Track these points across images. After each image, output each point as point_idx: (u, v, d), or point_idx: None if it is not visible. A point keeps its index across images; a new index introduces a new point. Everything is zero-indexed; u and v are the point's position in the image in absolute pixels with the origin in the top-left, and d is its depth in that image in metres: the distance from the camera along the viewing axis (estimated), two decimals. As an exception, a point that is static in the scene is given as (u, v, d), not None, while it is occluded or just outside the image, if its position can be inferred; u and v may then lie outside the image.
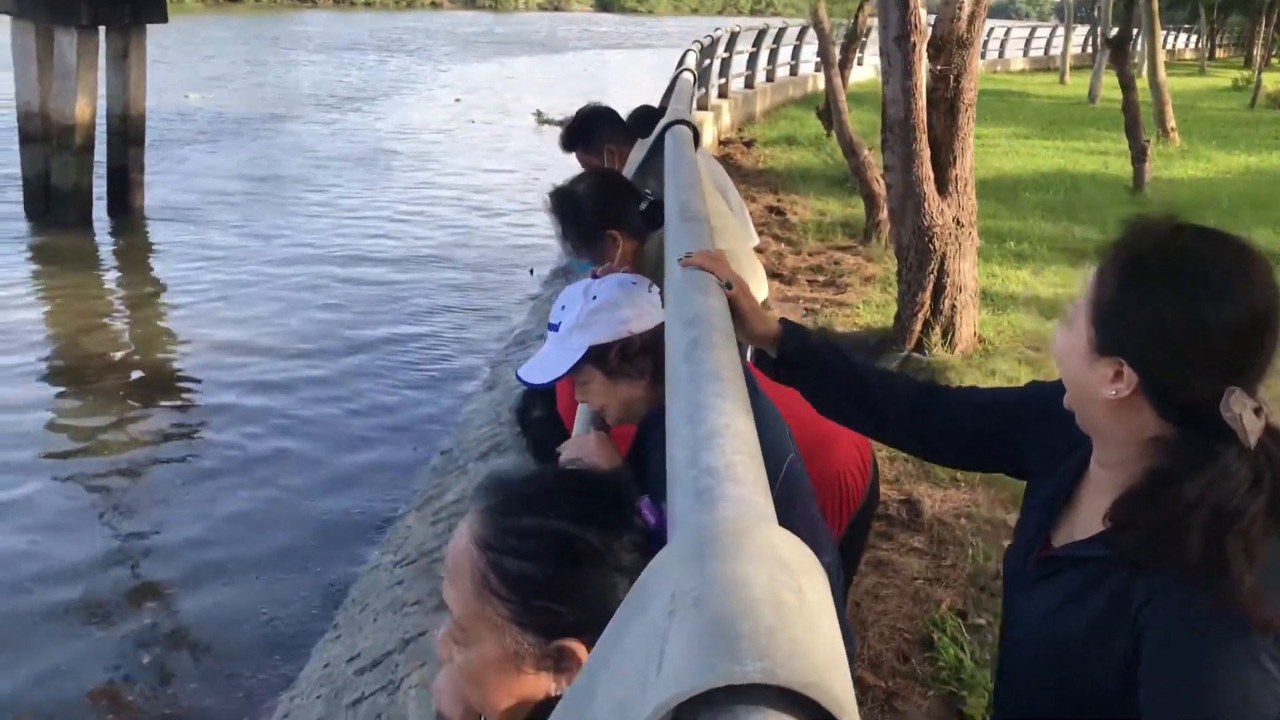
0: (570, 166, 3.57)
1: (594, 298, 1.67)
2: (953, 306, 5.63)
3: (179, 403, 6.85)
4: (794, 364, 1.46)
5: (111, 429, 6.29)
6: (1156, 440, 1.15)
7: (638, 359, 1.64)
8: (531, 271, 9.66)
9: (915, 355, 5.63)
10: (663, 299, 1.68)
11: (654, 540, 0.97)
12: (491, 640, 0.94)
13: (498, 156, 16.86)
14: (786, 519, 1.69)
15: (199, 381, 7.15)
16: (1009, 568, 1.41)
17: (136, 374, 7.35)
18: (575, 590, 0.93)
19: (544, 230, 8.72)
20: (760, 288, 3.41)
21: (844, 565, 2.32)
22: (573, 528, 0.94)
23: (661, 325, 1.63)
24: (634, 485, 1.60)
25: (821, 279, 7.56)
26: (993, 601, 3.43)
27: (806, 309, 6.81)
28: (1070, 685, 1.23)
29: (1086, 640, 1.19)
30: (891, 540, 3.81)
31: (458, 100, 24.57)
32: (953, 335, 5.66)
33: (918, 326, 5.66)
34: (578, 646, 0.93)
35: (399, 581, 4.62)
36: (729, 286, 1.36)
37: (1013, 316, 6.67)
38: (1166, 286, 1.11)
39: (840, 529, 2.26)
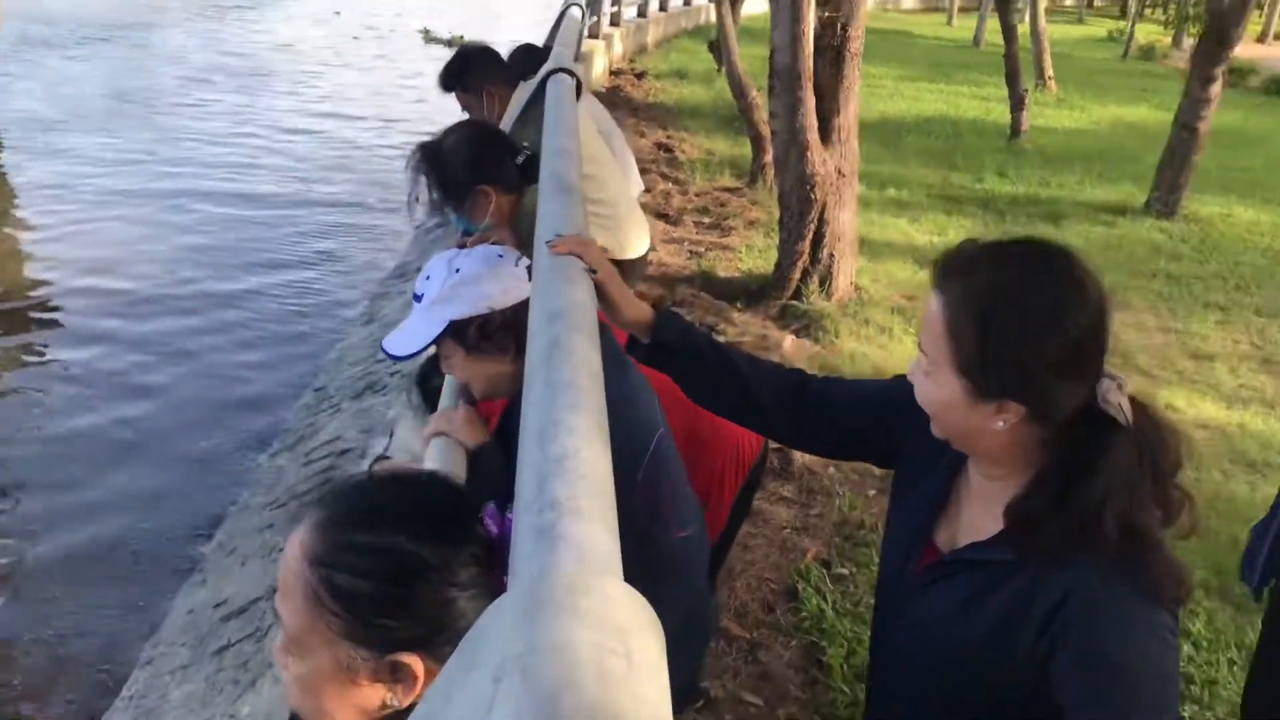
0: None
1: (457, 270, 1.64)
2: (831, 255, 5.72)
3: (33, 330, 6.50)
4: (667, 351, 1.46)
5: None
6: (1041, 445, 1.20)
7: (499, 335, 1.62)
8: (417, 198, 9.40)
9: (793, 303, 5.72)
10: (530, 274, 1.66)
11: (496, 551, 0.96)
12: (325, 654, 0.93)
13: (383, 75, 16.28)
14: (653, 494, 1.70)
15: (56, 308, 6.79)
16: (887, 570, 1.43)
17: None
18: (409, 606, 0.92)
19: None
20: (643, 238, 3.39)
21: (733, 521, 2.36)
22: (408, 544, 0.93)
23: (525, 301, 1.61)
24: (477, 494, 1.60)
25: (707, 220, 7.58)
26: (856, 551, 3.56)
27: (691, 251, 6.84)
28: (969, 687, 1.27)
29: (988, 642, 1.23)
30: (763, 489, 3.89)
31: (337, 13, 23.58)
32: (830, 284, 5.77)
33: (796, 275, 5.74)
34: (412, 660, 0.92)
35: (269, 525, 4.52)
36: (594, 271, 1.34)
37: (889, 265, 6.82)
38: (1027, 320, 1.13)
39: (735, 489, 2.30)
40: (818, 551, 3.52)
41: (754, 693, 2.80)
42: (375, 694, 0.94)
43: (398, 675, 0.93)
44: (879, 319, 5.72)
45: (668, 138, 10.33)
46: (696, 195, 8.28)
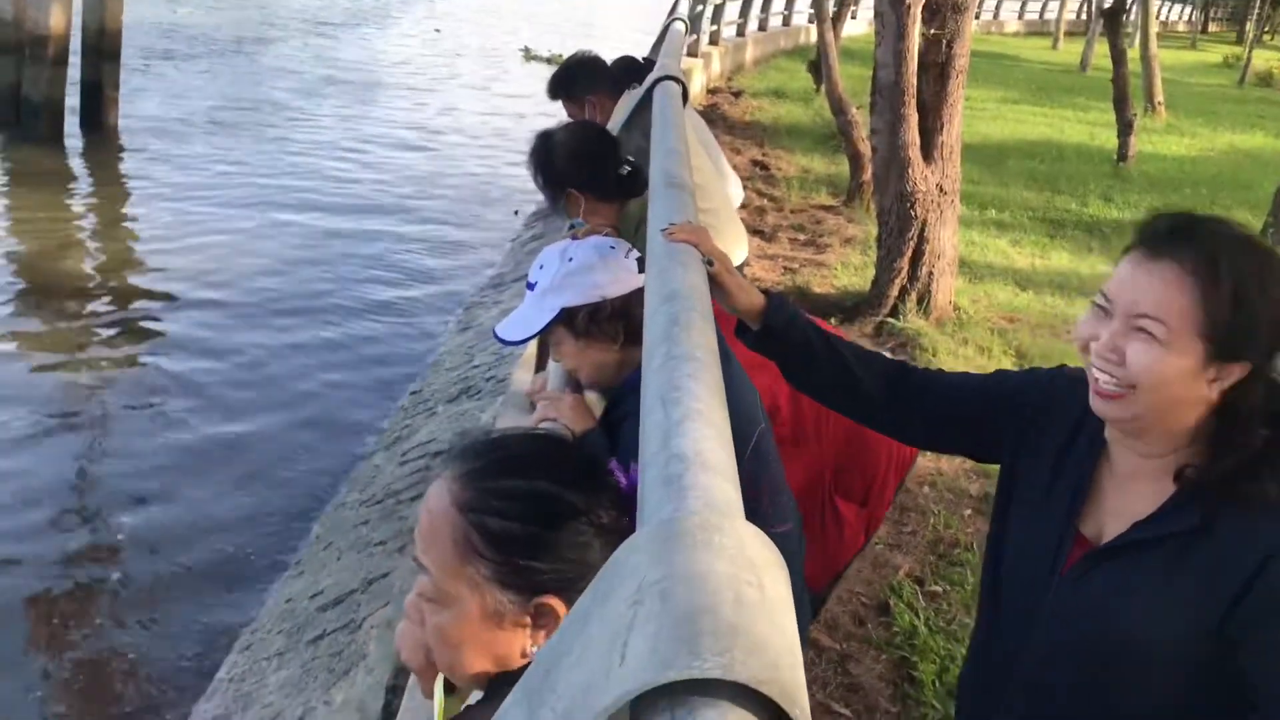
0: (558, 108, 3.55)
1: (570, 260, 1.68)
2: (930, 274, 5.66)
3: (144, 330, 6.78)
4: (777, 337, 1.47)
5: (72, 352, 6.23)
6: (1211, 412, 1.22)
7: (608, 323, 1.65)
8: (516, 212, 9.57)
9: (890, 320, 5.67)
10: (641, 265, 1.69)
11: (626, 501, 0.99)
12: (472, 600, 0.96)
13: (484, 93, 16.64)
14: (753, 488, 1.73)
15: (165, 310, 7.08)
16: (1025, 571, 1.39)
17: (101, 298, 7.26)
18: (556, 549, 0.95)
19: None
20: (741, 247, 3.41)
21: (871, 525, 2.35)
22: (554, 488, 0.97)
23: (635, 291, 1.64)
24: (604, 449, 1.63)
25: (802, 238, 7.56)
26: (950, 570, 3.51)
27: (785, 267, 6.82)
28: (1133, 677, 1.27)
29: (1168, 622, 1.22)
30: (855, 503, 3.86)
31: (437, 30, 24.19)
32: (928, 302, 5.70)
33: (894, 292, 5.69)
34: (556, 603, 0.96)
35: (364, 521, 4.65)
36: (710, 263, 1.36)
37: (988, 286, 6.71)
38: (1269, 281, 1.18)
39: (894, 490, 2.31)
40: (911, 569, 3.47)
41: (843, 704, 2.78)
42: (516, 640, 0.97)
43: (540, 619, 0.96)
44: (978, 339, 5.63)
45: (764, 155, 10.34)
46: (792, 212, 8.26)
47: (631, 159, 2.55)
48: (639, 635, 0.57)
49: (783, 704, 0.53)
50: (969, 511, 3.93)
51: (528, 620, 0.96)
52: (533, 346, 4.09)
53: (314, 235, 8.69)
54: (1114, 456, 1.32)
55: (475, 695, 1.07)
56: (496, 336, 1.73)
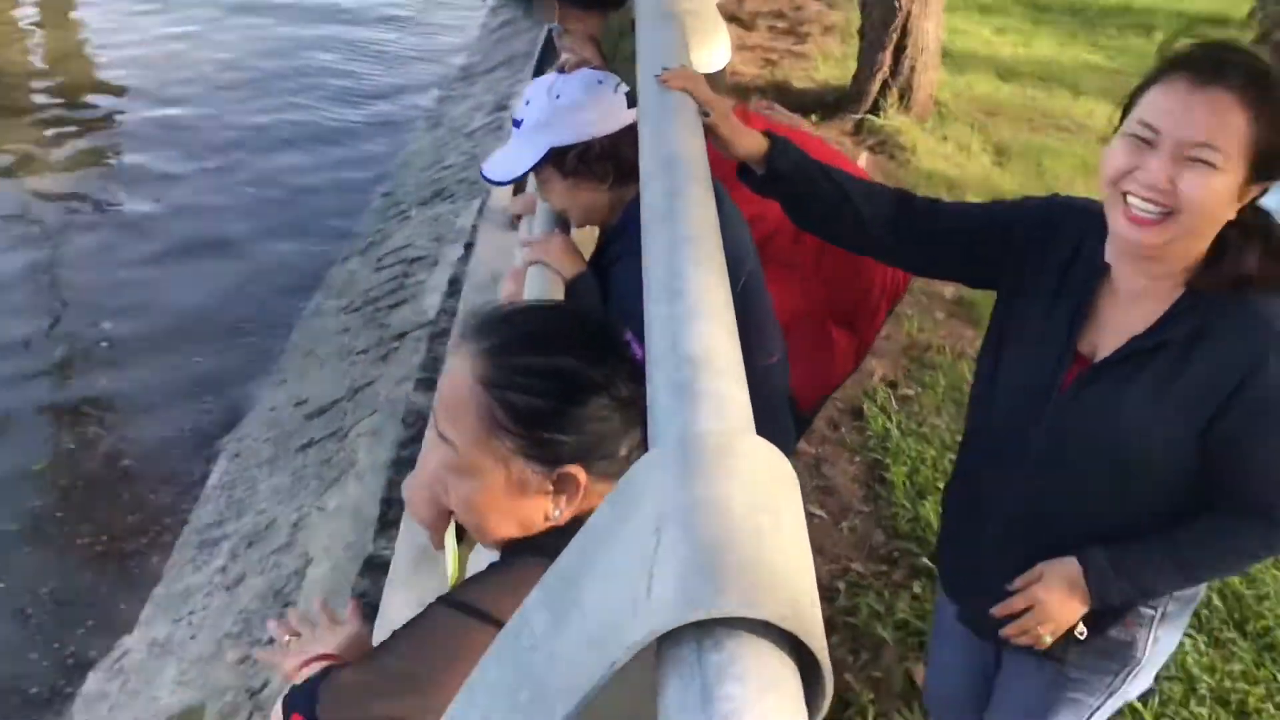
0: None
1: (558, 97, 1.62)
2: (912, 68, 5.51)
3: (104, 119, 6.55)
4: (782, 181, 1.46)
5: (32, 149, 6.03)
6: None
7: (597, 163, 1.62)
8: None
9: (870, 117, 5.56)
10: (630, 100, 1.64)
11: (642, 373, 1.02)
12: (497, 472, 1.00)
13: None
14: (743, 319, 1.74)
15: (124, 97, 6.81)
16: (1024, 384, 1.44)
17: (54, 92, 6.97)
18: (579, 421, 0.99)
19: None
20: (723, 47, 3.30)
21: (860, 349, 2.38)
22: (575, 363, 1.00)
23: (625, 129, 1.60)
24: (595, 291, 1.64)
25: (782, 25, 7.29)
26: (923, 373, 3.60)
27: (765, 59, 6.61)
28: (1134, 476, 1.36)
29: (1168, 424, 1.30)
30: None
31: None
32: (910, 98, 5.58)
33: (875, 88, 5.55)
34: (578, 471, 1.00)
35: (345, 329, 4.66)
36: (706, 114, 1.33)
37: (970, 77, 6.56)
38: None
39: (884, 316, 2.35)
40: (885, 373, 3.57)
41: (819, 506, 2.92)
42: (540, 506, 1.02)
43: (562, 486, 1.01)
44: (958, 136, 5.55)
45: (742, -66, 9.80)
46: (771, -2, 7.94)
47: None
48: (664, 569, 0.60)
49: (803, 638, 0.57)
50: (942, 315, 3.99)
51: (550, 488, 1.01)
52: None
53: (276, 24, 8.29)
54: (1116, 279, 1.36)
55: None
56: (484, 177, 1.70)
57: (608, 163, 1.62)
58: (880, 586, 2.67)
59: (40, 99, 6.84)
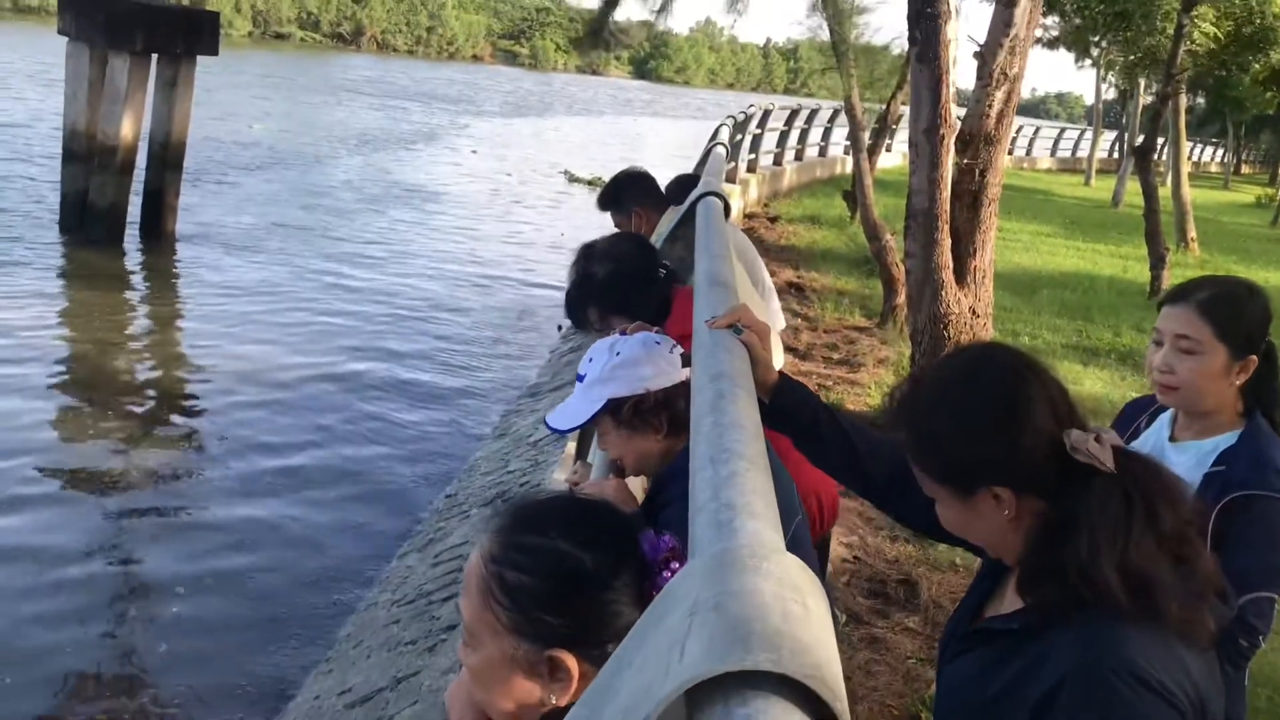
0: (604, 225, 3.70)
1: (617, 354, 1.77)
2: (963, 394, 5.70)
3: (189, 426, 6.95)
4: (784, 415, 1.55)
5: (121, 448, 6.38)
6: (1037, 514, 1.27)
7: (651, 413, 1.73)
8: (560, 327, 9.78)
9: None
10: (685, 361, 1.78)
11: (649, 568, 1.06)
12: (494, 646, 1.05)
13: (527, 210, 17.15)
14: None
15: (211, 407, 7.26)
16: (944, 638, 1.49)
17: (151, 394, 7.48)
18: (568, 605, 1.03)
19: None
20: (778, 362, 3.51)
21: None
22: (571, 548, 1.04)
23: (679, 384, 1.72)
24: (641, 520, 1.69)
25: (836, 357, 7.66)
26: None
27: (819, 385, 6.90)
28: None
29: (991, 711, 1.25)
30: (888, 619, 3.85)
31: (474, 152, 25.21)
32: (961, 422, 5.72)
33: (927, 411, 5.73)
34: (567, 657, 1.03)
35: (395, 620, 4.67)
36: (738, 331, 1.45)
37: (1022, 409, 6.72)
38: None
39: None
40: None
41: None
42: (535, 689, 1.04)
43: (555, 673, 1.03)
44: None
45: (798, 277, 10.53)
46: (826, 332, 8.38)
47: (668, 263, 2.65)
48: (695, 639, 0.64)
49: (825, 697, 0.60)
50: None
51: (544, 671, 1.03)
52: (571, 447, 4.17)
53: (356, 342, 8.92)
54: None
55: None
56: (546, 425, 1.81)
57: (662, 413, 1.73)
58: None
59: (135, 397, 7.32)
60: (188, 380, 7.80)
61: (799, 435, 1.58)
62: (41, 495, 5.61)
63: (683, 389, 1.65)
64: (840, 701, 0.60)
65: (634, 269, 2.52)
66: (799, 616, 0.65)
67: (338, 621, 4.82)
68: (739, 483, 0.91)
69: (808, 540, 1.79)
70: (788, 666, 0.60)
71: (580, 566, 1.04)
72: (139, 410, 7.09)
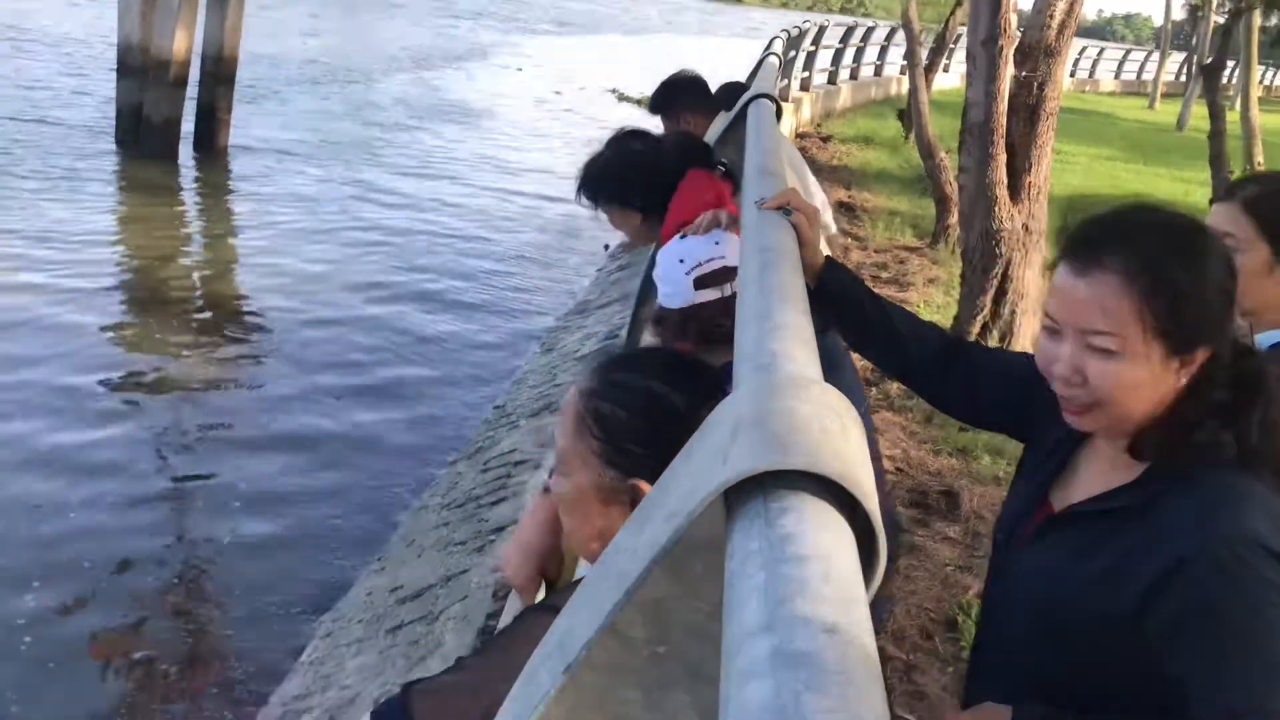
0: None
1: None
2: (1013, 312, 5.66)
3: (245, 336, 7.09)
4: (830, 297, 1.56)
5: (177, 356, 6.54)
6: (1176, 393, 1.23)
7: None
8: (606, 246, 9.80)
9: (970, 357, 5.66)
10: (699, 282, 1.82)
11: None
12: (583, 474, 1.14)
13: (577, 129, 17.05)
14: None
15: (265, 317, 7.40)
16: (1003, 529, 1.47)
17: (205, 304, 7.63)
18: (654, 438, 1.10)
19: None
20: (825, 209, 3.50)
21: None
22: (660, 386, 1.13)
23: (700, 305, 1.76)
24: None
25: (885, 275, 7.60)
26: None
27: (866, 303, 6.87)
28: (1068, 649, 1.29)
29: (1092, 594, 1.24)
30: (928, 528, 3.89)
31: (519, 69, 24.98)
32: (1009, 341, 5.69)
33: (976, 329, 5.70)
34: (648, 487, 1.08)
35: (445, 523, 4.81)
36: (788, 213, 1.47)
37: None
38: (1202, 265, 1.19)
39: None
40: (979, 589, 3.49)
41: (908, 710, 2.81)
42: (619, 519, 1.10)
43: (636, 501, 1.10)
44: (1058, 380, 5.60)
45: (849, 196, 10.41)
46: (876, 252, 8.31)
47: (725, 161, 2.64)
48: (738, 447, 0.68)
49: (858, 496, 0.63)
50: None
51: (626, 500, 1.11)
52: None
53: (408, 255, 9.01)
54: (1095, 442, 1.36)
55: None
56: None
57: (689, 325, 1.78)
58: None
59: (190, 308, 7.49)
60: (242, 294, 7.94)
61: (844, 318, 1.59)
62: (105, 409, 5.77)
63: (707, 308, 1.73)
64: (871, 500, 0.63)
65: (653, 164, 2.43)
66: (836, 431, 0.69)
67: (391, 526, 4.96)
68: (781, 334, 0.94)
69: (869, 424, 1.83)
70: (822, 467, 0.63)
71: (667, 402, 1.12)
72: (197, 321, 7.25)
